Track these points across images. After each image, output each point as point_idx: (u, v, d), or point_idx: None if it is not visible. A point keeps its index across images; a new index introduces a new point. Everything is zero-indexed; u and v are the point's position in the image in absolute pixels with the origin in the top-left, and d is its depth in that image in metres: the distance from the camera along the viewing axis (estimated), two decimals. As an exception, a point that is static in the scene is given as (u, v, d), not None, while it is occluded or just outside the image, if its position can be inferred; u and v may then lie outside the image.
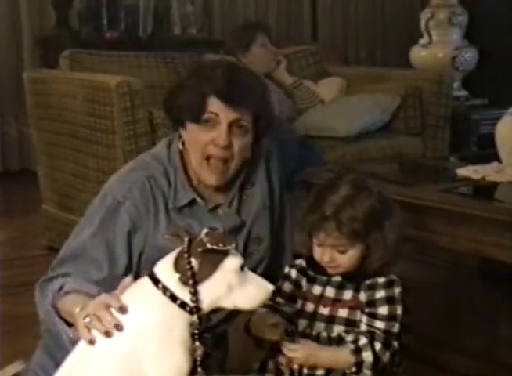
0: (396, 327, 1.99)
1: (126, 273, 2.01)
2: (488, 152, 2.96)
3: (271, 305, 2.02)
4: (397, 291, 2.01)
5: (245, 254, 2.12)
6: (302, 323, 2.05)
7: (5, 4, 5.62)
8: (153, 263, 1.99)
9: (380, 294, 2.00)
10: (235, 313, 2.05)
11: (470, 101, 5.02)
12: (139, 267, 2.11)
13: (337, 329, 2.01)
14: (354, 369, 1.94)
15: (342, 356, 1.96)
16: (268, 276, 1.86)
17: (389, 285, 2.01)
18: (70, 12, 5.61)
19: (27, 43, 5.68)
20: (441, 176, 3.10)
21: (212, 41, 5.95)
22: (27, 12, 5.66)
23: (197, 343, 1.72)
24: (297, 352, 1.95)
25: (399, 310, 1.99)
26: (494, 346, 2.69)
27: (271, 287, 1.78)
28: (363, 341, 1.95)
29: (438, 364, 2.52)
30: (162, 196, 2.12)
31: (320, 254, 2.01)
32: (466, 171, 2.70)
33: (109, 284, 1.92)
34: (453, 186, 2.64)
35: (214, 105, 2.08)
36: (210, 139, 2.09)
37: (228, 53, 4.12)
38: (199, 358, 1.74)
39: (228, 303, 1.74)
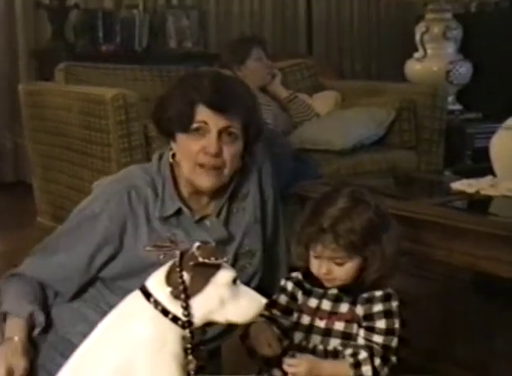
0: (394, 342, 1.98)
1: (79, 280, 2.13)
2: (482, 166, 2.96)
3: (268, 316, 2.02)
4: (394, 304, 2.00)
5: (236, 267, 2.11)
6: (298, 336, 2.04)
7: (1, 16, 5.63)
8: (132, 273, 2.05)
9: (378, 307, 1.99)
10: (230, 329, 2.05)
11: (465, 115, 5.03)
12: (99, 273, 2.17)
13: (334, 342, 2.01)
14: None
15: (342, 370, 1.95)
16: (262, 290, 1.86)
17: (386, 299, 2.00)
18: (66, 25, 5.62)
19: (22, 55, 5.70)
20: (436, 190, 3.09)
21: (208, 54, 5.96)
22: (23, 24, 5.68)
23: (190, 357, 1.72)
24: (298, 367, 1.94)
25: (397, 324, 1.99)
26: (489, 359, 2.69)
27: (264, 301, 1.77)
28: (363, 355, 1.95)
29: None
30: (144, 206, 2.13)
31: (317, 266, 2.01)
32: (460, 185, 2.70)
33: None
34: (448, 199, 2.64)
35: (203, 113, 2.08)
36: (200, 147, 2.10)
37: (223, 67, 4.12)
38: (192, 372, 1.73)
39: (221, 317, 1.74)
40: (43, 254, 2.22)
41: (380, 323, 1.98)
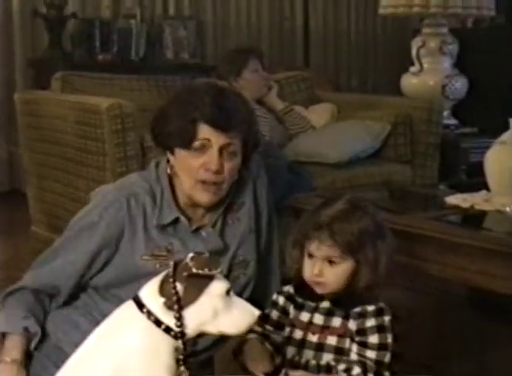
0: (387, 357, 1.97)
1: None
2: (477, 180, 2.96)
3: (261, 332, 2.02)
4: (387, 319, 2.00)
5: (230, 277, 2.12)
6: (291, 351, 2.03)
7: (-1, 25, 5.64)
8: (127, 281, 2.07)
9: (371, 322, 1.98)
10: (222, 340, 2.05)
11: (460, 129, 5.03)
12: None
13: (326, 357, 2.00)
14: None
15: None
16: (254, 301, 1.86)
17: (379, 313, 2.00)
18: (63, 34, 5.62)
19: (19, 64, 5.70)
20: (431, 204, 3.10)
21: (204, 65, 5.98)
22: (20, 33, 5.69)
23: (182, 368, 1.72)
24: None
25: (389, 339, 1.98)
26: (482, 374, 2.69)
27: (257, 313, 1.77)
28: (357, 371, 1.94)
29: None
30: (142, 215, 2.14)
31: (310, 267, 1.99)
32: (455, 200, 2.70)
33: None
34: (442, 213, 2.64)
35: (205, 131, 2.09)
36: (201, 163, 2.10)
37: (219, 78, 4.12)
38: (184, 383, 1.73)
39: (214, 328, 1.73)
40: (40, 264, 2.24)
41: (373, 338, 1.97)
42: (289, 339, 2.04)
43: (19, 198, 4.69)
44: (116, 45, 5.74)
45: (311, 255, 2.00)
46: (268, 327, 2.05)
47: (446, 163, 4.37)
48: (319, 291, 2.01)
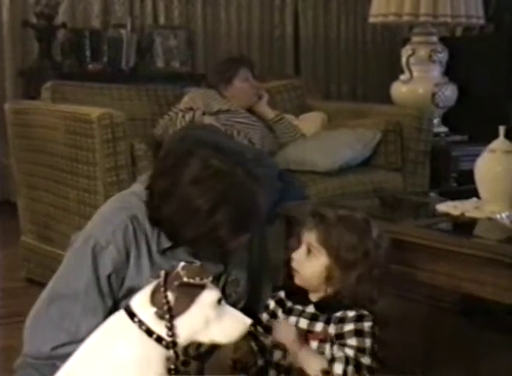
0: (366, 359, 1.98)
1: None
2: (467, 188, 2.97)
3: (251, 331, 2.02)
4: (366, 325, 2.00)
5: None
6: (277, 355, 2.06)
7: (-12, 35, 5.63)
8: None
9: (349, 327, 2.00)
10: (212, 349, 2.04)
11: (450, 137, 5.05)
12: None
13: None
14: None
15: (314, 363, 1.96)
16: (246, 309, 1.86)
17: (358, 319, 2.01)
18: (53, 44, 5.61)
19: (9, 74, 5.69)
20: (421, 211, 3.10)
21: (195, 74, 5.98)
22: (10, 43, 5.67)
23: (174, 378, 1.71)
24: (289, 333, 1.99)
25: (368, 343, 1.99)
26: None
27: (248, 322, 1.77)
28: (340, 354, 1.96)
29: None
30: (145, 238, 2.10)
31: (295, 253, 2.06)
32: (445, 207, 2.71)
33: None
34: (433, 221, 2.65)
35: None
36: None
37: (210, 86, 4.13)
38: (175, 393, 1.72)
39: (205, 337, 1.73)
40: (62, 318, 2.08)
41: (351, 341, 1.98)
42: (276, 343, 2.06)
43: (10, 208, 4.67)
44: (106, 55, 5.73)
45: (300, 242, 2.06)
46: (260, 329, 2.06)
47: (437, 171, 4.38)
48: (296, 280, 2.06)
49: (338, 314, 2.02)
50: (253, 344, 2.03)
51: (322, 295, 2.06)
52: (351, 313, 2.01)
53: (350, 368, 1.94)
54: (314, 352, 2.01)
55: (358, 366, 1.95)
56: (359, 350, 1.97)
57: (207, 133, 2.47)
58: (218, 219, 2.01)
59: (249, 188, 2.07)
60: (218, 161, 2.03)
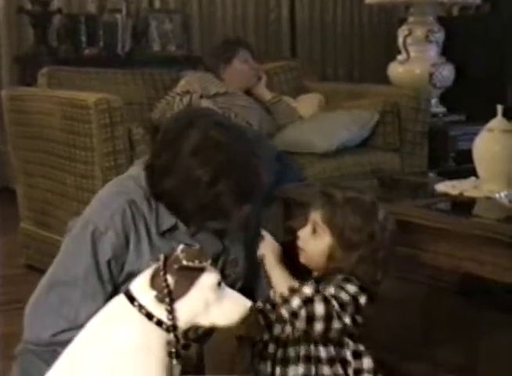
0: (341, 308, 1.98)
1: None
2: (465, 167, 2.97)
3: (259, 307, 2.04)
4: (350, 286, 2.01)
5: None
6: (277, 329, 2.04)
7: (-17, 22, 5.61)
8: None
9: (331, 288, 2.02)
10: (210, 332, 2.04)
11: (448, 117, 5.05)
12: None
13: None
14: (280, 300, 1.98)
15: (287, 278, 2.04)
16: (246, 293, 1.86)
17: (344, 279, 2.03)
18: (49, 29, 5.59)
19: (5, 61, 5.67)
20: (420, 192, 3.10)
21: (191, 57, 5.95)
22: (6, 29, 5.65)
23: (174, 361, 1.71)
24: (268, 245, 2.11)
25: (346, 299, 1.98)
26: (474, 361, 2.70)
27: (248, 304, 1.77)
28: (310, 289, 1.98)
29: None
30: (143, 221, 2.10)
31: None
32: (444, 187, 2.71)
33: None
34: (431, 201, 2.65)
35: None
36: None
37: (207, 69, 4.12)
38: (176, 376, 1.73)
39: (205, 320, 1.73)
40: (61, 305, 2.07)
41: (330, 289, 2.00)
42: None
43: (9, 195, 4.67)
44: (102, 40, 5.71)
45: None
46: (267, 306, 2.06)
47: (435, 151, 4.38)
48: (301, 259, 2.10)
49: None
50: (261, 319, 2.04)
51: (323, 273, 2.08)
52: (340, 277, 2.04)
53: (319, 306, 1.95)
54: (287, 273, 2.07)
55: (328, 313, 1.95)
56: (336, 298, 1.98)
57: (206, 111, 2.47)
58: (219, 189, 2.02)
59: (250, 159, 2.08)
60: (218, 133, 2.04)
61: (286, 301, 1.97)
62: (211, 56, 4.19)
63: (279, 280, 2.06)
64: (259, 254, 2.13)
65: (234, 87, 4.01)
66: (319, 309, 1.94)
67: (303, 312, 1.94)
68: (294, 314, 1.94)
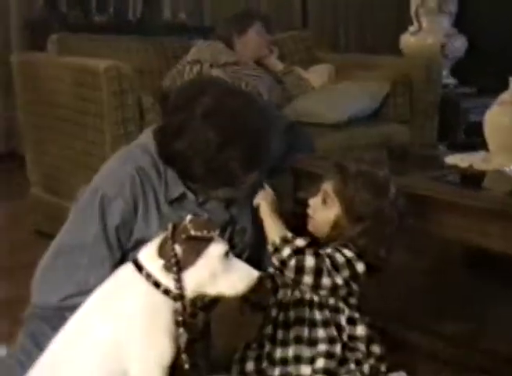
0: (333, 267, 2.01)
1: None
2: (476, 140, 2.96)
3: (268, 273, 2.10)
4: (347, 251, 2.06)
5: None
6: (281, 294, 2.14)
7: (-7, -13, 5.59)
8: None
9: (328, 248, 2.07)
10: (215, 300, 2.05)
11: (459, 89, 5.02)
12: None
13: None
14: (271, 248, 2.03)
15: (280, 228, 2.07)
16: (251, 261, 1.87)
17: (341, 245, 2.07)
18: (59, -5, 5.57)
19: (14, 26, 5.65)
20: (429, 164, 3.09)
21: (202, 27, 5.92)
22: (16, -6, 5.63)
23: (181, 330, 1.72)
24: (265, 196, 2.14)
25: (341, 261, 2.03)
26: (479, 333, 2.70)
27: (256, 274, 1.78)
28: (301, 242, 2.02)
29: (420, 351, 2.52)
30: (152, 189, 2.11)
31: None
32: (453, 159, 2.70)
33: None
34: (441, 173, 2.64)
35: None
36: None
37: (219, 38, 4.10)
38: (183, 345, 1.74)
39: (213, 290, 1.74)
40: (83, 258, 2.11)
41: (327, 249, 2.05)
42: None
43: (18, 161, 4.68)
44: (112, 6, 5.68)
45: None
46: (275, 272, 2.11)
47: (445, 123, 4.36)
48: (309, 227, 2.14)
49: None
50: (268, 284, 2.07)
51: (327, 241, 2.11)
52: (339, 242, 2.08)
53: (309, 258, 1.99)
54: (281, 223, 2.09)
55: (318, 267, 1.99)
56: (328, 257, 2.02)
57: (218, 80, 2.49)
58: (229, 153, 2.04)
59: (260, 125, 2.11)
60: (230, 100, 2.08)
61: (277, 249, 1.99)
62: (227, 22, 4.19)
63: (272, 229, 2.09)
64: (255, 203, 2.16)
65: (245, 57, 4.00)
66: (309, 261, 1.99)
67: (292, 262, 1.98)
68: (283, 262, 1.99)
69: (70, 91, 3.55)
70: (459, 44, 5.04)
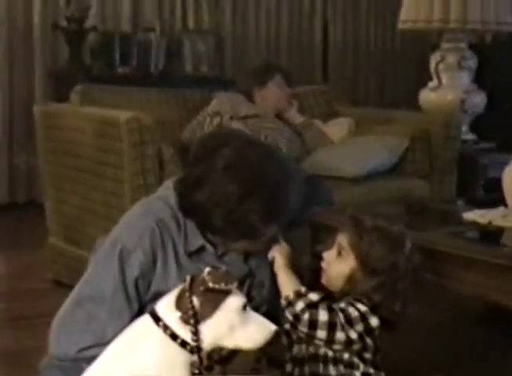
0: (347, 321, 1.99)
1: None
2: (494, 196, 2.95)
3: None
4: (361, 306, 2.04)
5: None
6: (295, 349, 2.10)
7: (20, 38, 5.67)
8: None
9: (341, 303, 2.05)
10: (234, 353, 2.04)
11: (479, 145, 5.02)
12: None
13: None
14: (284, 302, 2.01)
15: (294, 282, 2.06)
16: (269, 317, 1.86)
17: (355, 299, 2.05)
18: (83, 47, 5.65)
19: (39, 77, 5.73)
20: (448, 220, 3.09)
21: (223, 78, 5.99)
22: (41, 46, 5.72)
23: (198, 382, 1.72)
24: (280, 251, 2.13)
25: (354, 315, 2.01)
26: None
27: (273, 328, 1.78)
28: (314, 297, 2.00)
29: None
30: (171, 241, 2.12)
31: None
32: (472, 215, 2.70)
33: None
34: (460, 229, 2.64)
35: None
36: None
37: (239, 90, 4.14)
38: (199, 397, 1.73)
39: (230, 342, 1.74)
40: (100, 311, 2.10)
41: (340, 304, 2.03)
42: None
43: (37, 209, 4.71)
44: (135, 58, 5.75)
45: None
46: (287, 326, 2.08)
47: (464, 178, 4.35)
48: (322, 280, 2.12)
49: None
50: (284, 340, 2.06)
51: (341, 295, 2.10)
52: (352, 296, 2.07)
53: (323, 312, 1.97)
54: (295, 277, 2.08)
55: (331, 321, 1.98)
56: (342, 311, 2.01)
57: (239, 132, 2.52)
58: (249, 205, 2.05)
59: (279, 178, 2.13)
60: (250, 152, 2.10)
61: (290, 303, 1.98)
62: (250, 73, 4.24)
63: (286, 283, 2.08)
64: (269, 256, 2.16)
65: (266, 110, 4.03)
66: (323, 315, 1.98)
67: (306, 316, 1.97)
68: (297, 317, 1.97)
69: (90, 141, 3.58)
70: (479, 100, 5.06)
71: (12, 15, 5.63)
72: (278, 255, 2.14)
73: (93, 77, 5.21)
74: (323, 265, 2.13)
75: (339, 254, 2.10)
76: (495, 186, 2.90)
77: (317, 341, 2.01)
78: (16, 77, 5.68)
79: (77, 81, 4.31)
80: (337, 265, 2.10)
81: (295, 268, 2.14)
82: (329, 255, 2.12)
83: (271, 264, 2.17)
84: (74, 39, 5.59)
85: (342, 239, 2.10)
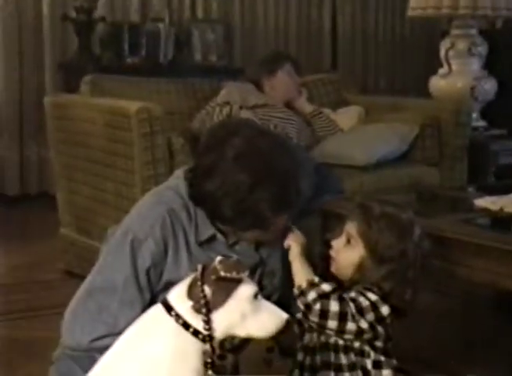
0: (358, 311, 1.99)
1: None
2: (506, 183, 2.95)
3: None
4: (371, 294, 2.03)
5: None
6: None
7: (29, 29, 5.68)
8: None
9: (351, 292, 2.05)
10: (246, 341, 2.05)
11: (489, 131, 5.00)
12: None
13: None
14: (296, 292, 2.02)
15: (307, 271, 2.06)
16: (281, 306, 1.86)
17: (365, 288, 2.05)
18: (92, 37, 5.66)
19: (49, 68, 5.74)
20: (459, 207, 3.08)
21: (232, 68, 5.98)
22: (50, 37, 5.72)
23: (210, 372, 1.72)
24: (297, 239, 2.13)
25: (365, 304, 2.01)
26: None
27: (285, 316, 1.78)
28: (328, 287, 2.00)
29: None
30: (182, 230, 2.13)
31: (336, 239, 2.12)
32: (483, 202, 2.69)
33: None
34: (471, 216, 2.63)
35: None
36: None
37: (248, 80, 4.13)
38: (211, 386, 1.74)
39: (242, 331, 1.74)
40: (99, 311, 2.11)
41: (350, 293, 2.03)
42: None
43: (49, 201, 4.73)
44: (144, 49, 5.75)
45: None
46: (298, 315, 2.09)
47: (475, 165, 4.34)
48: (331, 269, 2.12)
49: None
50: (296, 328, 2.07)
51: (350, 284, 2.10)
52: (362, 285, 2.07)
53: (334, 303, 1.98)
54: (308, 267, 2.08)
55: (342, 311, 1.98)
56: (352, 301, 2.00)
57: (249, 122, 2.52)
58: (258, 195, 2.05)
59: (289, 167, 2.12)
60: (261, 142, 2.09)
61: (302, 293, 1.99)
62: (259, 62, 4.24)
63: (299, 272, 2.08)
64: (286, 245, 2.15)
65: (275, 99, 4.03)
66: (334, 306, 1.98)
67: (317, 306, 1.97)
68: (308, 306, 1.98)
69: (101, 132, 3.59)
70: (489, 86, 5.04)
71: (22, 6, 5.63)
72: (294, 244, 2.14)
73: (102, 68, 5.22)
74: (332, 253, 2.13)
75: (348, 242, 2.10)
76: (507, 172, 2.89)
77: (328, 331, 2.02)
78: (25, 68, 5.69)
79: (86, 72, 4.31)
80: (346, 253, 2.09)
81: (309, 257, 2.15)
82: (338, 243, 2.12)
83: (286, 252, 2.18)
84: (83, 30, 5.59)
85: (351, 227, 2.10)
